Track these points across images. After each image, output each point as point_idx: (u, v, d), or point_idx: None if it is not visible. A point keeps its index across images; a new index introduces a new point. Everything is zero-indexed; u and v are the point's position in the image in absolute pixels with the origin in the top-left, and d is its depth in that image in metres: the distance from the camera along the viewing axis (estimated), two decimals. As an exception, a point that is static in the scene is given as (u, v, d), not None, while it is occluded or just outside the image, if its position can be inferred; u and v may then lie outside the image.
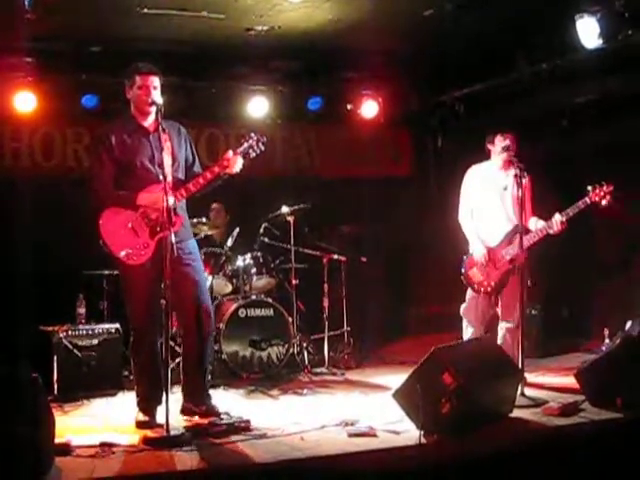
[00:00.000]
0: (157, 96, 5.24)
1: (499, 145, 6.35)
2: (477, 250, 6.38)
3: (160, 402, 5.13)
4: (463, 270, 6.47)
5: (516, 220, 6.20)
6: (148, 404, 5.30)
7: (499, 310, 6.42)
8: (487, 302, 6.43)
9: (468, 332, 6.51)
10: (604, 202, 5.99)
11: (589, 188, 6.01)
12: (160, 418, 5.00)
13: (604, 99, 7.77)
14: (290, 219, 7.56)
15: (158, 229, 5.14)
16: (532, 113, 8.43)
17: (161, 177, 4.98)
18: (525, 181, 6.05)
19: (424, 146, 10.01)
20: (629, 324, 6.19)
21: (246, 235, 7.84)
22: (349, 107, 9.13)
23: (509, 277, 6.28)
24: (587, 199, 6.01)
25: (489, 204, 6.44)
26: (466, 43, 7.67)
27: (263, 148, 5.43)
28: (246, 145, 5.40)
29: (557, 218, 6.09)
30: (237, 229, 7.76)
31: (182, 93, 8.17)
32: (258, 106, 8.67)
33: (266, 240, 7.81)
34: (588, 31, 6.57)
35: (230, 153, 5.37)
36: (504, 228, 6.36)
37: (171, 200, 4.99)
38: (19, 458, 3.80)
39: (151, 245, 5.19)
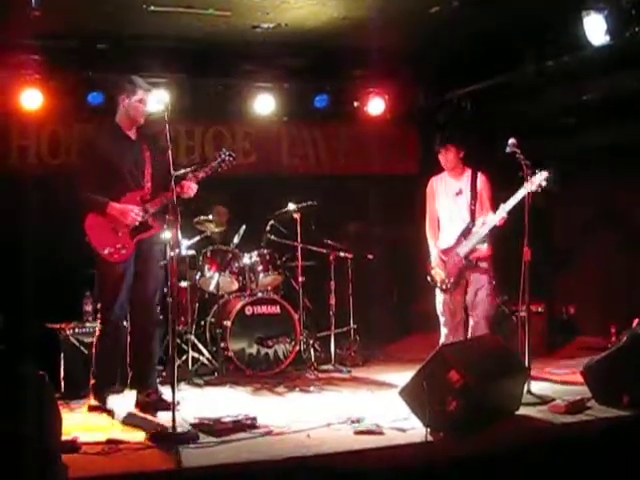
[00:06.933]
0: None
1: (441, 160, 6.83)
2: (432, 254, 6.79)
3: (112, 390, 5.69)
4: (428, 271, 6.78)
5: (470, 219, 6.59)
6: (101, 389, 5.64)
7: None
8: (455, 299, 6.66)
9: (443, 330, 6.72)
10: (539, 190, 6.00)
11: (527, 178, 6.01)
12: (111, 404, 5.56)
13: (611, 96, 7.74)
14: (297, 216, 7.56)
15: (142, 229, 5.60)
16: (539, 110, 8.41)
17: (142, 183, 5.58)
18: (481, 181, 6.64)
19: (431, 144, 9.96)
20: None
21: (253, 232, 7.85)
22: (355, 104, 9.10)
23: (466, 272, 6.58)
24: (523, 189, 6.04)
25: (445, 210, 6.81)
26: (472, 40, 7.65)
27: (235, 162, 5.96)
28: (219, 160, 5.89)
29: (500, 210, 6.29)
30: (244, 226, 7.77)
31: (188, 90, 8.18)
32: (264, 103, 8.65)
33: (273, 237, 7.82)
34: (595, 28, 6.55)
35: (189, 183, 5.70)
36: (458, 228, 6.65)
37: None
38: (25, 455, 3.81)
39: (130, 245, 5.62)
